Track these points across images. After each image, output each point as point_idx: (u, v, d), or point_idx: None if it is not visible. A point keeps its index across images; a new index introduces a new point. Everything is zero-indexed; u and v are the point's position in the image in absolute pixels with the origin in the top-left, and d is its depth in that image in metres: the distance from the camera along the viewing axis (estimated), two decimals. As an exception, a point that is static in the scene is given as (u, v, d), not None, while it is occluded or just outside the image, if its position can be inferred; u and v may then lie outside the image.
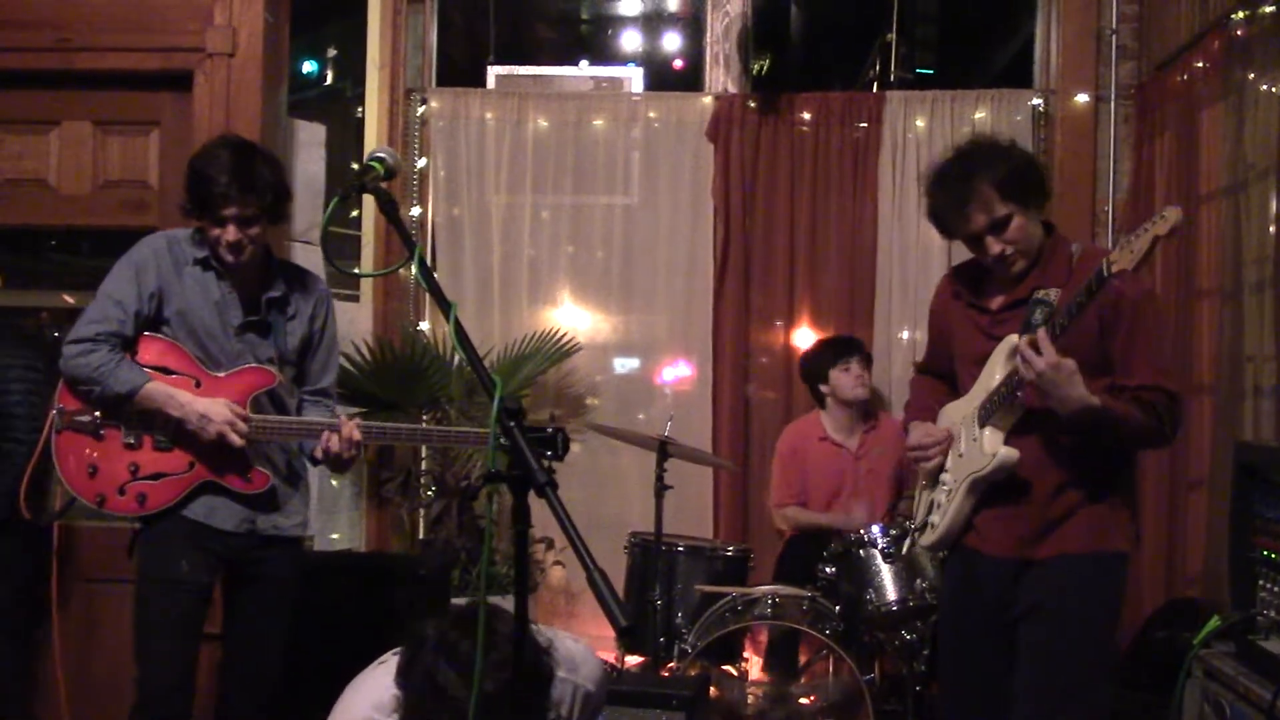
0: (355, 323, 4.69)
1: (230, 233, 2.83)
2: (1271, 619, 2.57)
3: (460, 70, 5.21)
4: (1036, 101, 4.74)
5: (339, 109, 5.24)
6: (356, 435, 2.89)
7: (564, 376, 4.90)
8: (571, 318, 4.93)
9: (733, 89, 4.94)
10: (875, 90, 5.07)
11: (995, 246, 2.63)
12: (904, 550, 3.60)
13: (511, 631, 1.82)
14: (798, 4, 4.74)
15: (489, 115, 4.95)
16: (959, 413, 2.77)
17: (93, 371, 2.80)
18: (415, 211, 4.94)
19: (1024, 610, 2.64)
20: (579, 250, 4.98)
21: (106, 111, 4.03)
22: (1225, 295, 3.67)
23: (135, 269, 2.90)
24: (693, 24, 5.28)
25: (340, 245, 4.80)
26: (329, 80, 5.49)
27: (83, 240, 4.37)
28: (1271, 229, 3.43)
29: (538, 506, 1.71)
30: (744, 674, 3.89)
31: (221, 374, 2.91)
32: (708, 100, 4.90)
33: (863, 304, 4.79)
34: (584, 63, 5.27)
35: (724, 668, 3.86)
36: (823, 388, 4.42)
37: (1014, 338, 2.56)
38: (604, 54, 5.49)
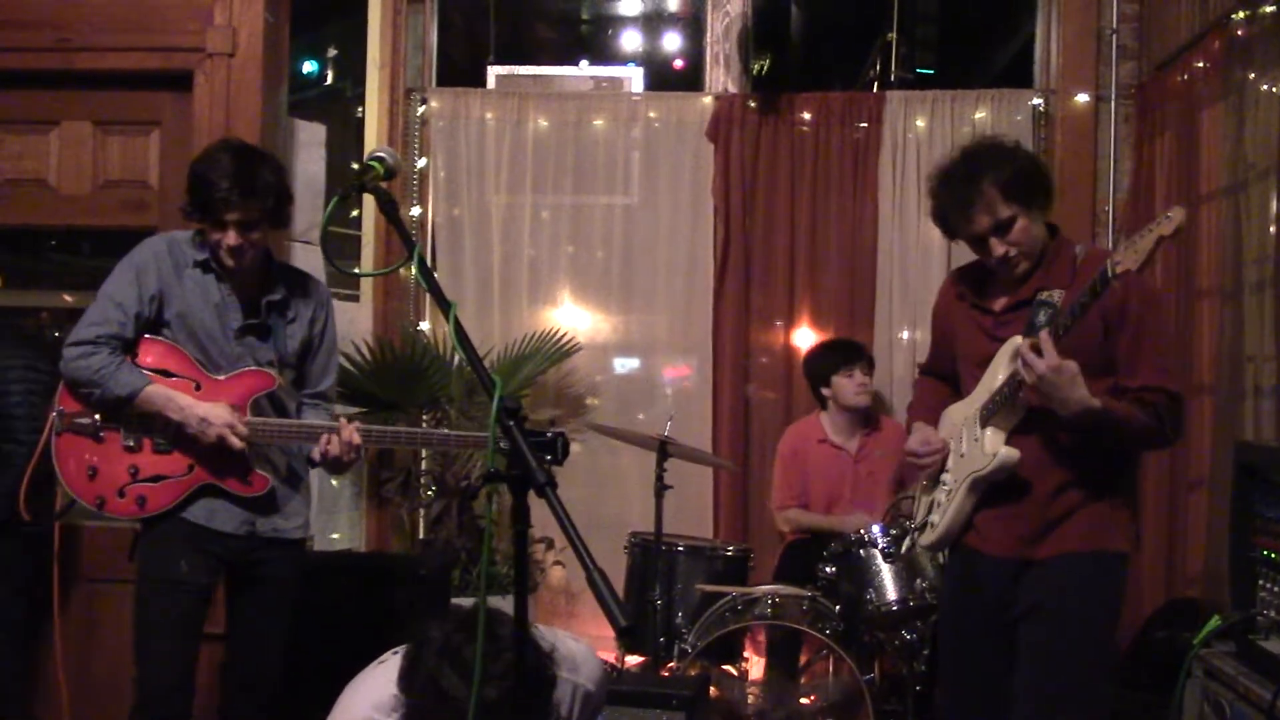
0: (355, 323, 4.69)
1: (231, 237, 2.83)
2: (1272, 619, 2.57)
3: (460, 70, 5.21)
4: (1037, 101, 4.74)
5: (339, 109, 5.24)
6: (356, 439, 2.89)
7: (564, 376, 4.90)
8: (571, 318, 4.93)
9: (733, 89, 4.94)
10: (875, 90, 5.07)
11: (999, 248, 2.63)
12: (904, 550, 3.60)
13: (512, 635, 1.82)
14: (798, 4, 4.73)
15: (489, 115, 4.95)
16: (961, 414, 2.77)
17: (93, 374, 2.80)
18: (415, 211, 4.94)
19: (1024, 610, 2.64)
20: (579, 250, 4.98)
21: (106, 111, 4.03)
22: (1225, 295, 3.67)
23: (136, 271, 2.89)
24: (693, 24, 5.28)
25: (340, 245, 4.81)
26: (329, 80, 5.49)
27: (83, 240, 4.37)
28: (1272, 229, 3.43)
29: (538, 506, 1.71)
30: (744, 674, 3.89)
31: (221, 377, 2.91)
32: (708, 100, 4.89)
33: (863, 304, 4.79)
34: (584, 63, 5.27)
35: (724, 668, 3.86)
36: (825, 390, 4.42)
37: (1018, 339, 2.56)
38: (604, 54, 5.49)
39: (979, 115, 4.75)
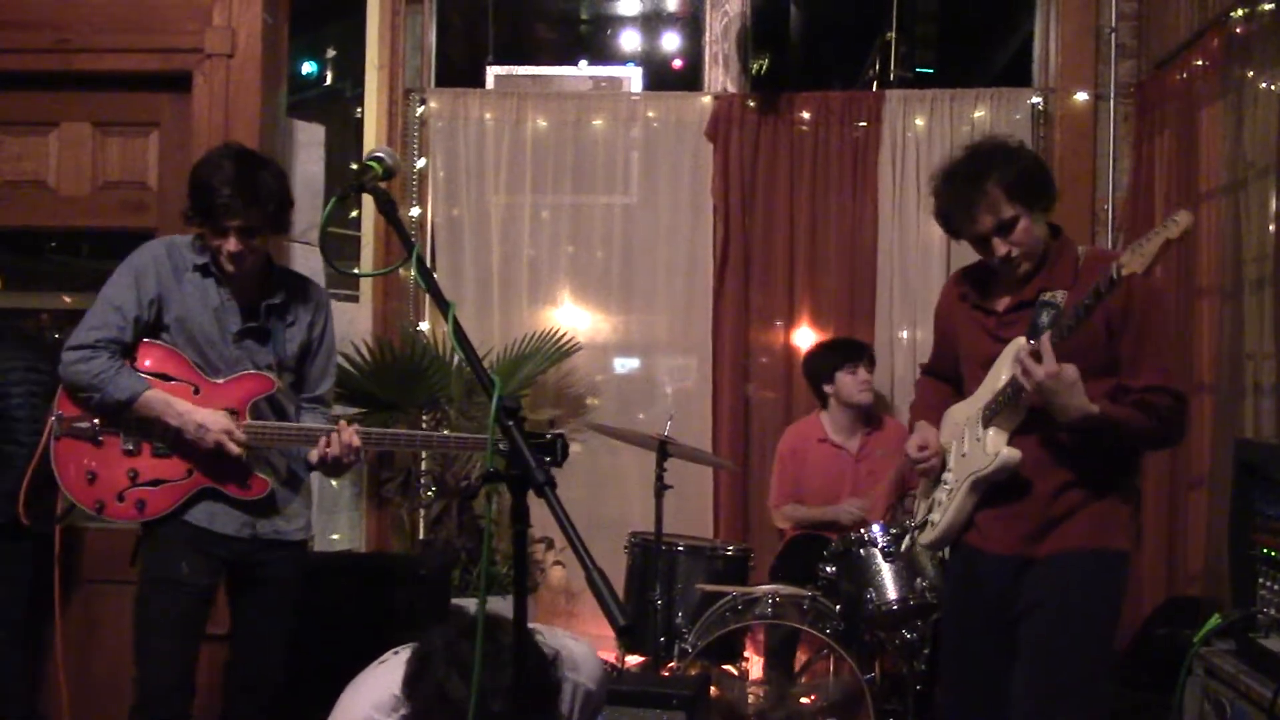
0: (355, 323, 4.69)
1: (232, 243, 2.83)
2: (1272, 617, 2.57)
3: (459, 70, 5.21)
4: (1036, 100, 4.74)
5: (338, 109, 5.24)
6: (355, 441, 2.89)
7: (564, 376, 4.90)
8: (571, 318, 4.93)
9: (732, 89, 4.93)
10: (875, 89, 5.07)
11: (1002, 248, 2.63)
12: (903, 548, 3.60)
13: (514, 643, 1.82)
14: (797, 3, 4.72)
15: (488, 115, 4.95)
16: (964, 414, 2.77)
17: (92, 378, 2.80)
18: (415, 212, 4.94)
19: (1025, 608, 2.64)
20: (579, 250, 4.98)
21: (106, 112, 4.04)
22: (1225, 293, 3.67)
23: (135, 275, 2.89)
24: (692, 24, 5.28)
25: (339, 245, 4.81)
26: (328, 81, 5.49)
27: (82, 241, 4.38)
28: (1271, 227, 3.43)
29: (538, 507, 1.71)
30: (744, 674, 3.89)
31: (220, 380, 2.91)
32: (707, 100, 4.89)
33: (863, 304, 4.79)
34: (583, 63, 5.27)
35: (724, 667, 3.86)
36: (827, 388, 4.42)
37: (1022, 340, 2.57)
38: (603, 54, 5.49)
39: (978, 114, 4.75)
